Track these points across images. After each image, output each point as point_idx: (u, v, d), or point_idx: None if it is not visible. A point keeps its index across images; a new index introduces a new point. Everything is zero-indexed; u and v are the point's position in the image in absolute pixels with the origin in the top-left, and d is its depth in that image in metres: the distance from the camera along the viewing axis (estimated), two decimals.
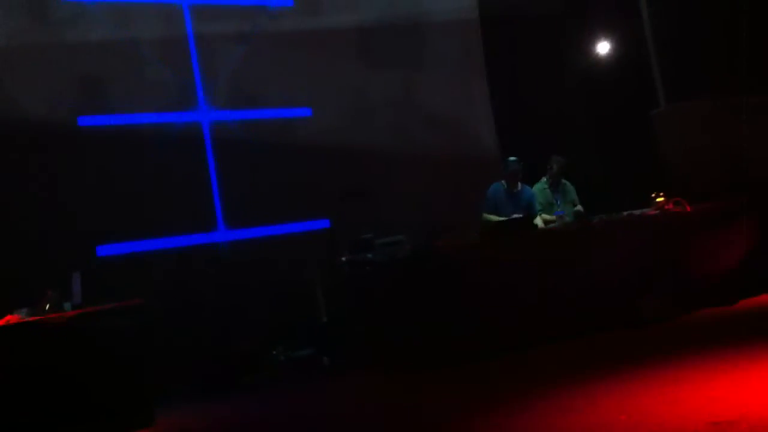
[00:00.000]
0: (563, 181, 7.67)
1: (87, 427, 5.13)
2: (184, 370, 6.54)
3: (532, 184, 7.64)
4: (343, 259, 6.59)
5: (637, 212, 6.85)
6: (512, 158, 7.49)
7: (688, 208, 6.76)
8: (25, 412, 5.02)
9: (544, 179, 7.70)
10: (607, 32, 9.26)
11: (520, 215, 6.94)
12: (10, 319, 5.21)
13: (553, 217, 7.24)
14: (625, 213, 6.87)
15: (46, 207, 6.90)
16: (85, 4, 7.47)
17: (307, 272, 7.33)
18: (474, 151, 9.02)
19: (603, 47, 9.31)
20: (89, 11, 7.49)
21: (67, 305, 5.45)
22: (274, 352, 7.06)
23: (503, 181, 7.45)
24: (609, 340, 5.95)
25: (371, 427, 4.67)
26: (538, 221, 7.21)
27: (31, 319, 5.25)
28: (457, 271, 6.09)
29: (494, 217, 7.13)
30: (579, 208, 7.25)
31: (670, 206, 6.81)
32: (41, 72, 7.18)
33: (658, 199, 6.86)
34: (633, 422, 3.74)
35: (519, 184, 7.44)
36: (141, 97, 7.54)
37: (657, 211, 6.79)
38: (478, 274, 6.12)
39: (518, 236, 6.47)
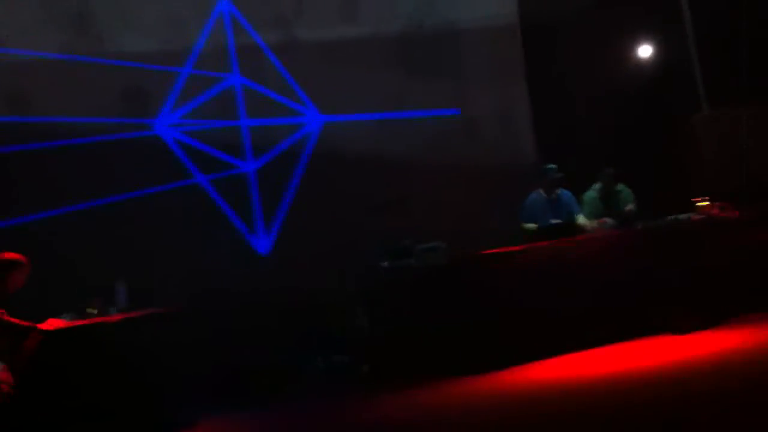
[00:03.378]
0: (618, 188, 7.50)
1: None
2: (221, 379, 6.56)
3: (574, 193, 7.52)
4: (384, 264, 6.59)
5: (682, 217, 6.73)
6: (551, 166, 7.41)
7: (736, 213, 6.63)
8: (61, 414, 5.00)
9: (595, 186, 7.54)
10: (649, 36, 9.14)
11: (559, 221, 6.89)
12: (52, 322, 5.28)
13: (596, 223, 7.13)
14: (669, 218, 6.76)
15: (92, 214, 7.07)
16: (129, 18, 7.66)
17: (346, 279, 7.33)
18: (514, 159, 8.94)
19: (644, 51, 9.16)
20: (133, 24, 7.66)
21: (112, 309, 5.54)
22: (315, 358, 7.05)
23: (541, 190, 7.37)
24: (649, 346, 5.88)
25: None
26: (582, 220, 7.13)
27: (73, 323, 5.33)
28: (497, 278, 6.06)
29: (532, 226, 7.07)
30: (630, 207, 7.18)
31: (716, 211, 6.68)
32: (88, 84, 7.37)
33: (702, 204, 6.74)
34: None
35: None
36: (183, 107, 7.70)
37: (703, 216, 6.67)
38: (517, 281, 6.08)
39: (558, 242, 6.42)
